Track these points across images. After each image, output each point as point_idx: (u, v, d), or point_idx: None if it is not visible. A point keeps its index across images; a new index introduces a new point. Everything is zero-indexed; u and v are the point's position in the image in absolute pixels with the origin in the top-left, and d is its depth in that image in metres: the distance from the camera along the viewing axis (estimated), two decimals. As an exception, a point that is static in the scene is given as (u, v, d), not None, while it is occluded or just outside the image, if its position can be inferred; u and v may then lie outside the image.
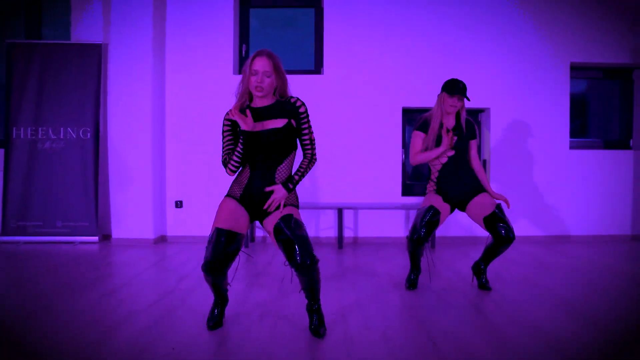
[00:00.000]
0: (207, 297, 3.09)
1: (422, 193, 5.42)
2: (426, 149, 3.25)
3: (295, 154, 2.51)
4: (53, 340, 2.39)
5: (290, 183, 2.46)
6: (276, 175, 2.45)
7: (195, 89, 5.29)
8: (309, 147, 2.50)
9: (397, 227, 5.31)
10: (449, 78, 3.63)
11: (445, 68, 5.23)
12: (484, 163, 5.41)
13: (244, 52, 5.49)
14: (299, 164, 2.63)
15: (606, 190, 5.38)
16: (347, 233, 5.32)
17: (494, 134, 5.31)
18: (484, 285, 3.36)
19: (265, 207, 2.45)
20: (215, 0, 5.27)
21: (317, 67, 5.45)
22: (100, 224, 5.22)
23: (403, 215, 5.32)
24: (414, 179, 5.56)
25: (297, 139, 2.52)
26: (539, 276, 3.76)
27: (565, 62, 5.32)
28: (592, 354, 2.24)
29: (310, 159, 2.52)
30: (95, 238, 5.11)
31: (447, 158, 3.26)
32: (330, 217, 5.28)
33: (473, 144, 3.33)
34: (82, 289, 3.33)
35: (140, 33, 5.01)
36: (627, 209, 5.41)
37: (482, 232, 5.06)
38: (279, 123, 2.40)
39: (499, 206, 3.20)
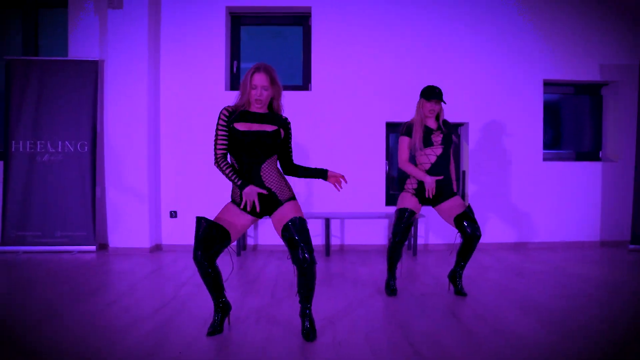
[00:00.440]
0: (206, 303, 3.38)
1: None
2: (414, 153, 3.58)
3: (276, 159, 2.78)
4: (62, 348, 2.63)
5: (322, 169, 2.90)
6: (262, 174, 2.69)
7: (188, 104, 5.57)
8: (290, 155, 2.87)
9: (380, 235, 5.65)
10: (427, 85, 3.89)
11: (426, 85, 5.56)
12: (463, 174, 5.77)
13: (235, 69, 5.78)
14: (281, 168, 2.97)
15: (577, 200, 5.77)
16: (334, 241, 5.64)
17: (472, 146, 5.67)
18: (459, 292, 3.68)
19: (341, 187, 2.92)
20: (207, 18, 5.55)
21: (305, 84, 5.77)
22: (97, 234, 5.47)
23: (386, 224, 5.65)
24: (397, 189, 5.90)
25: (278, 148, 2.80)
26: (511, 281, 4.11)
27: (539, 80, 5.70)
28: (560, 357, 2.53)
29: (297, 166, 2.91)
30: (93, 247, 5.36)
31: (435, 157, 3.56)
32: (318, 225, 5.59)
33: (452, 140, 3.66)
34: (86, 298, 3.59)
35: (135, 50, 5.27)
36: (596, 216, 5.81)
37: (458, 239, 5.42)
38: (269, 128, 2.70)
39: (469, 207, 3.57)
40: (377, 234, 5.65)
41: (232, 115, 2.69)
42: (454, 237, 5.52)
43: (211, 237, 2.68)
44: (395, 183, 5.90)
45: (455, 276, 3.74)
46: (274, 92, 2.71)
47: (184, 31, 5.55)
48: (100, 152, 5.53)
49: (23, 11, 5.78)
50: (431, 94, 3.51)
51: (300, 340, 2.75)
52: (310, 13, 5.67)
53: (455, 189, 3.67)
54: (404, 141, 3.60)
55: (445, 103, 3.59)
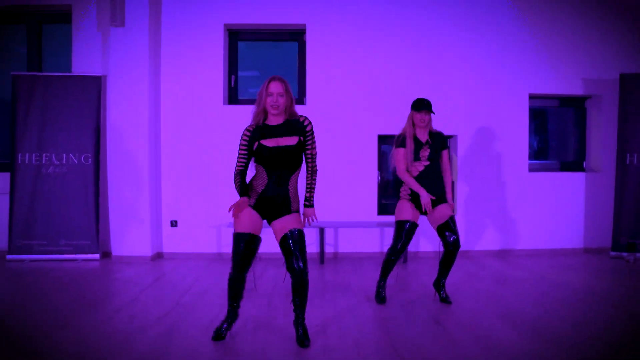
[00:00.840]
0: (207, 310, 3.68)
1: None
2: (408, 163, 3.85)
3: (299, 171, 3.10)
4: (70, 356, 2.90)
5: (309, 200, 3.17)
6: (289, 185, 3.04)
7: (188, 117, 5.86)
8: (310, 160, 3.11)
9: (373, 243, 5.96)
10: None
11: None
12: (452, 185, 6.08)
13: (232, 83, 6.07)
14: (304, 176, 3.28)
15: (561, 209, 6.09)
16: (328, 249, 5.94)
17: (460, 158, 5.98)
18: (444, 299, 3.98)
19: (305, 225, 3.18)
20: (206, 35, 5.84)
21: (300, 98, 6.07)
22: (101, 242, 5.75)
23: (378, 232, 5.96)
24: (392, 196, 6.20)
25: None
26: (495, 289, 4.41)
27: (524, 94, 6.01)
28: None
29: (312, 171, 3.14)
30: (97, 255, 5.65)
31: (423, 167, 3.84)
32: (313, 233, 5.89)
33: (444, 153, 3.95)
34: (90, 306, 3.86)
35: (137, 66, 5.56)
36: (579, 225, 6.12)
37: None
38: (292, 140, 2.99)
39: (452, 217, 3.85)
40: (370, 242, 5.96)
41: (255, 133, 2.98)
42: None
43: (251, 254, 3.02)
44: (389, 190, 6.20)
45: (439, 284, 4.03)
46: (288, 100, 2.99)
47: (184, 48, 5.84)
48: (103, 164, 5.81)
49: (27, 27, 6.06)
50: (420, 105, 3.81)
51: (295, 346, 3.04)
52: (305, 30, 5.97)
53: (449, 199, 3.92)
54: (399, 152, 3.86)
55: (434, 113, 3.86)
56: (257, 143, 2.98)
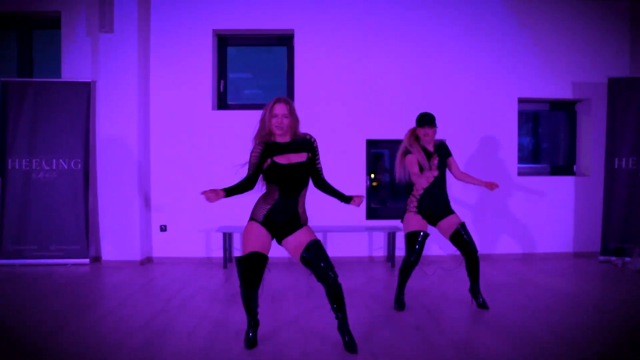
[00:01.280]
0: (193, 315, 3.84)
1: (386, 216, 6.21)
2: (421, 169, 3.94)
3: (308, 183, 3.20)
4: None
5: (343, 194, 3.26)
6: (299, 202, 3.16)
7: (177, 123, 6.00)
8: (320, 172, 3.25)
9: (362, 247, 6.09)
10: (420, 112, 4.14)
11: (405, 104, 6.02)
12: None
13: (221, 88, 6.21)
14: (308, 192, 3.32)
15: (551, 213, 6.22)
16: (318, 253, 6.06)
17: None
18: (482, 305, 4.07)
19: (357, 203, 3.20)
20: (195, 41, 5.99)
21: (289, 102, 6.19)
22: (91, 247, 5.90)
23: (367, 236, 6.09)
24: (379, 203, 6.34)
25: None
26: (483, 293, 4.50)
27: (514, 97, 6.14)
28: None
29: (326, 182, 3.28)
30: (87, 260, 5.80)
31: (433, 178, 3.95)
32: (302, 238, 6.02)
33: (451, 160, 4.11)
34: (78, 312, 4.00)
35: (126, 72, 5.72)
36: (569, 228, 6.25)
37: (436, 252, 5.92)
38: (302, 157, 3.12)
39: (462, 224, 3.98)
40: (359, 246, 6.09)
41: (267, 149, 3.07)
42: (435, 249, 5.95)
43: (258, 273, 3.10)
44: (380, 195, 6.34)
45: (474, 290, 4.13)
46: (293, 122, 3.10)
47: (173, 53, 5.99)
48: (93, 169, 5.95)
49: (18, 33, 6.20)
50: (423, 120, 3.94)
51: (269, 350, 3.17)
52: (293, 35, 6.10)
53: (479, 183, 4.08)
54: (411, 157, 3.94)
55: (436, 127, 3.96)
56: (269, 160, 3.07)
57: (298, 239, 3.15)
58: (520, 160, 6.63)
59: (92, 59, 5.94)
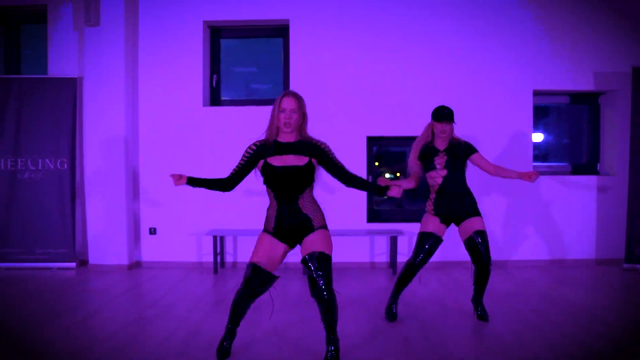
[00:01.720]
0: (167, 324, 3.68)
1: (388, 219, 5.90)
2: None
3: (312, 188, 3.01)
4: None
5: (374, 182, 3.13)
6: (299, 203, 2.93)
7: (167, 120, 5.83)
8: (345, 169, 3.03)
9: (362, 252, 5.80)
10: (437, 105, 3.89)
11: (409, 98, 5.70)
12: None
13: (214, 83, 6.00)
14: (315, 194, 3.14)
15: (570, 215, 5.79)
16: (315, 258, 5.78)
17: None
18: (480, 317, 3.81)
19: (390, 193, 3.00)
20: (185, 33, 5.82)
21: (284, 97, 5.94)
22: (78, 251, 5.76)
23: (368, 240, 5.79)
24: (382, 205, 6.03)
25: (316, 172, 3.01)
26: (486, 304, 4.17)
27: (528, 90, 5.75)
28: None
29: (354, 175, 3.04)
30: (73, 264, 5.68)
31: (442, 179, 3.73)
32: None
33: (477, 157, 3.78)
34: (50, 319, 3.87)
35: (112, 67, 5.59)
36: (591, 233, 5.81)
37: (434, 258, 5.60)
38: (301, 161, 2.90)
39: (478, 232, 3.66)
40: (359, 251, 5.80)
41: (262, 149, 2.93)
42: (437, 255, 5.61)
43: (259, 286, 2.91)
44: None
45: (476, 301, 3.87)
46: (301, 118, 2.91)
47: (162, 46, 5.81)
48: (80, 169, 5.82)
49: (5, 28, 6.12)
50: (440, 115, 3.68)
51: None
52: (288, 25, 5.84)
53: (514, 175, 3.75)
54: (410, 157, 3.87)
55: (455, 123, 3.72)
56: (262, 161, 2.92)
57: (309, 243, 2.93)
58: (538, 158, 6.22)
59: (78, 54, 5.80)
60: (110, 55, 5.57)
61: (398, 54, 5.76)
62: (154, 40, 5.82)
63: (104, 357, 3.09)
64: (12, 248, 5.66)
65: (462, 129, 5.71)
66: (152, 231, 5.87)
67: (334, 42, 5.76)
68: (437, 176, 3.74)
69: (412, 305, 4.22)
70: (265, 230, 3.01)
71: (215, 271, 5.53)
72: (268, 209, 3.03)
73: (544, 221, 5.80)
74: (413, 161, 3.84)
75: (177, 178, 2.90)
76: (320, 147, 2.95)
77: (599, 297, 4.46)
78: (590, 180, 5.85)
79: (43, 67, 6.10)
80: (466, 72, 5.75)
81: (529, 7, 5.73)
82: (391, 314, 3.83)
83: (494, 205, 5.77)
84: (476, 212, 3.76)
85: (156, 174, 5.85)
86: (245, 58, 6.43)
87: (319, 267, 2.85)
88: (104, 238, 5.65)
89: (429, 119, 3.96)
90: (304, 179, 2.90)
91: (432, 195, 3.80)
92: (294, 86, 5.79)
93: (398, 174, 6.30)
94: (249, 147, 2.97)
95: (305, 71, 5.78)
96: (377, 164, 6.17)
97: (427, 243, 3.70)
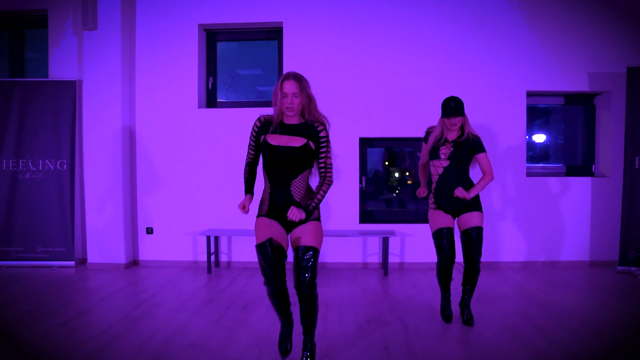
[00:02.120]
0: (153, 322, 3.81)
1: (381, 220, 5.98)
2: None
3: (310, 172, 2.98)
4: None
5: (307, 207, 2.86)
6: (291, 189, 2.89)
7: (163, 121, 5.99)
8: (322, 169, 2.94)
9: (355, 253, 5.89)
10: (445, 97, 3.86)
11: (401, 99, 5.78)
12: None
13: (210, 85, 6.14)
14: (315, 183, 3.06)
15: (564, 217, 5.82)
16: (309, 258, 5.90)
17: (451, 161, 5.81)
18: (466, 321, 3.82)
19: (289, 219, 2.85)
20: (181, 36, 5.95)
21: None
22: (77, 249, 5.96)
23: (360, 241, 5.88)
24: (371, 204, 6.12)
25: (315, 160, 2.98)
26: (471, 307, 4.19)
27: (521, 90, 5.78)
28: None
29: (323, 181, 2.93)
30: (72, 263, 5.87)
31: (442, 169, 3.79)
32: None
33: (479, 157, 3.80)
34: (42, 317, 4.02)
35: (110, 70, 5.76)
36: (585, 235, 5.83)
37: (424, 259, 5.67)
38: (298, 142, 2.86)
39: (473, 228, 3.72)
40: (351, 252, 5.90)
41: (265, 125, 2.93)
42: (431, 255, 5.68)
43: (276, 263, 2.81)
44: (376, 195, 6.13)
45: (463, 303, 3.88)
46: (305, 100, 2.86)
47: (159, 49, 5.97)
48: (79, 169, 6.01)
49: (9, 32, 6.34)
50: (446, 112, 3.70)
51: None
52: (282, 27, 5.96)
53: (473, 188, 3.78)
54: (423, 147, 3.95)
55: (464, 115, 3.72)
56: (262, 137, 2.91)
57: (299, 234, 2.91)
58: (533, 160, 6.25)
59: (78, 57, 5.99)
60: (108, 59, 5.74)
61: (390, 56, 5.83)
62: (150, 44, 5.98)
63: (82, 358, 3.17)
64: (13, 246, 5.88)
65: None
66: (149, 231, 6.04)
67: (327, 44, 5.86)
68: (439, 166, 3.78)
69: (399, 307, 4.30)
70: (259, 215, 2.98)
71: (209, 270, 5.68)
72: (263, 192, 3.01)
73: (537, 222, 5.84)
74: (425, 153, 3.89)
75: (243, 206, 2.90)
76: (317, 130, 2.90)
77: (591, 301, 4.46)
78: (585, 181, 5.87)
79: (45, 69, 6.31)
80: (459, 73, 5.80)
81: (523, 8, 5.77)
82: (447, 316, 3.86)
83: (487, 206, 5.81)
84: (477, 207, 3.80)
85: (153, 174, 6.02)
86: (250, 60, 6.54)
87: (305, 260, 2.84)
88: (102, 237, 5.83)
89: (421, 120, 4.04)
90: (298, 161, 2.86)
91: (433, 186, 3.86)
92: (287, 88, 5.90)
93: (407, 173, 6.37)
94: (254, 125, 2.96)
95: (297, 71, 5.87)
96: (387, 163, 6.27)
97: (443, 240, 3.73)
